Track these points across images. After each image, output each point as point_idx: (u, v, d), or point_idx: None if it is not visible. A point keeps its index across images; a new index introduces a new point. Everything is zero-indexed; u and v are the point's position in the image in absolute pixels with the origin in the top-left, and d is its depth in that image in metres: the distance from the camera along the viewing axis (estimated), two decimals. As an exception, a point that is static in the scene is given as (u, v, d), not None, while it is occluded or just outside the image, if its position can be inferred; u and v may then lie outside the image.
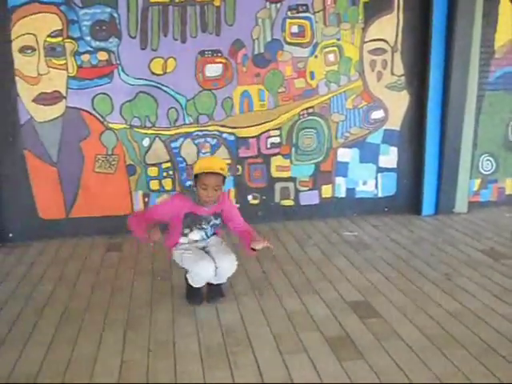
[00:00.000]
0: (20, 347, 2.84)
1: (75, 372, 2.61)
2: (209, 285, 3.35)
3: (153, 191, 4.83)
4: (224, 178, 3.18)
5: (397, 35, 4.89)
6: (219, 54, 4.66)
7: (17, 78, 4.39)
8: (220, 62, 4.68)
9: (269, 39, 4.71)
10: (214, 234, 3.46)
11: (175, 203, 3.31)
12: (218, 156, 4.70)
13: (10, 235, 4.63)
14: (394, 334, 2.90)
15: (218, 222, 3.37)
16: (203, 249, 3.36)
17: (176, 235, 3.34)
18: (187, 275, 3.31)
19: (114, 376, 2.56)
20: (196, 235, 3.35)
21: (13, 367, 2.64)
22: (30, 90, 4.44)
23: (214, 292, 3.37)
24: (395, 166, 5.20)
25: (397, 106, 5.06)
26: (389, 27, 4.87)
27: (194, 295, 3.35)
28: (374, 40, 4.88)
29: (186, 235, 3.35)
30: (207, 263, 3.19)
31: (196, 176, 3.18)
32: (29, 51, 4.38)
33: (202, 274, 3.20)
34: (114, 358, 2.72)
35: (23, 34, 4.32)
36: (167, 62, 4.59)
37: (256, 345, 2.81)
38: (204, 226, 3.33)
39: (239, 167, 4.90)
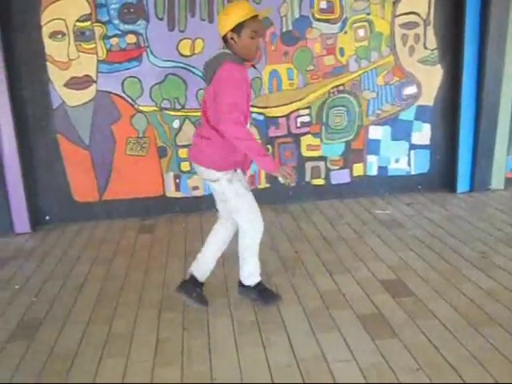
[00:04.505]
0: (59, 326, 2.94)
1: (112, 349, 2.69)
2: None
3: (184, 172, 4.87)
4: None
5: (429, 8, 4.74)
6: (247, 33, 4.60)
7: (48, 64, 4.46)
8: (248, 41, 4.62)
9: (297, 16, 4.64)
10: None
11: (241, 81, 2.45)
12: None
13: (47, 218, 4.76)
14: (427, 312, 2.87)
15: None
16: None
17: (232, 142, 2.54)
18: (248, 231, 2.70)
19: (151, 352, 2.62)
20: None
21: (53, 344, 2.74)
22: (61, 74, 4.50)
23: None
24: (428, 142, 5.08)
25: (430, 81, 4.92)
26: (421, 0, 4.71)
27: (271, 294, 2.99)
28: (406, 13, 4.74)
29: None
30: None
31: (238, 26, 2.46)
32: (59, 36, 4.43)
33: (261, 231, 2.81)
34: (149, 335, 2.79)
35: (53, 20, 4.37)
36: (195, 42, 4.58)
37: (288, 323, 2.83)
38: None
39: (269, 147, 4.87)
